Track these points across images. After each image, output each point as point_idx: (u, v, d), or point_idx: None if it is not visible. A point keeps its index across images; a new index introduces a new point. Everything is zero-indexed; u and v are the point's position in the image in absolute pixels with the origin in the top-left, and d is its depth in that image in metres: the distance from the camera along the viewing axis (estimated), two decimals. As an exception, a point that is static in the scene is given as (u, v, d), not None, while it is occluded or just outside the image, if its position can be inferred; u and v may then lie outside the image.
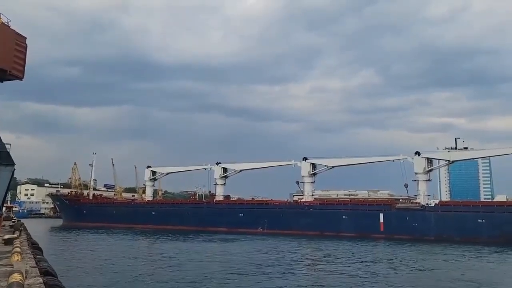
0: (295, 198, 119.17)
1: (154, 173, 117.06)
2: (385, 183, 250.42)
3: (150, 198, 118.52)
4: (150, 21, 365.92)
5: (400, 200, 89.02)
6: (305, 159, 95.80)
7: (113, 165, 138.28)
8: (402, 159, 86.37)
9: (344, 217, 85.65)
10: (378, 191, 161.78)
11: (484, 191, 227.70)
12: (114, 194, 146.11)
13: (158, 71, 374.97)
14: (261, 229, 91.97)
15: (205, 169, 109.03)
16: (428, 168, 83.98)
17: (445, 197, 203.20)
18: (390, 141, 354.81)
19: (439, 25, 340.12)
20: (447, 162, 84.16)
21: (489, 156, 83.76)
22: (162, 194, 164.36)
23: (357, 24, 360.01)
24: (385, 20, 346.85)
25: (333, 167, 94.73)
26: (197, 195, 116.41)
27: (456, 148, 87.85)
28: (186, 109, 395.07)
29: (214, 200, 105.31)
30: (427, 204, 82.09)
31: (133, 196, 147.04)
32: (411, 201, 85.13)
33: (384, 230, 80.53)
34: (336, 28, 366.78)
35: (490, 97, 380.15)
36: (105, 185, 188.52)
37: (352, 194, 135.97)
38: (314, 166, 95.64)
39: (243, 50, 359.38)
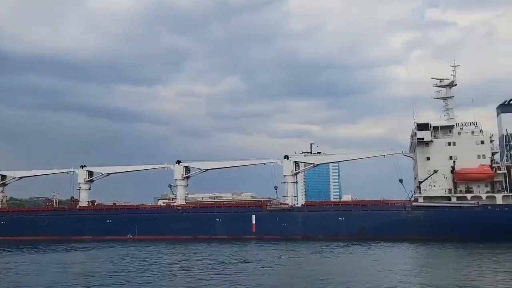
0: (160, 202, 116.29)
1: (3, 177, 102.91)
2: (248, 185, 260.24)
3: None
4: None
5: (271, 202, 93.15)
6: (178, 162, 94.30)
7: None
8: (272, 162, 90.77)
9: (217, 220, 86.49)
10: (242, 193, 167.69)
11: (334, 192, 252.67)
12: None
13: (6, 63, 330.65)
14: (131, 236, 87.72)
15: (67, 172, 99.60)
16: (295, 171, 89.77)
17: (301, 198, 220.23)
18: (254, 146, 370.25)
19: (298, 40, 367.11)
20: (313, 165, 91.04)
21: (348, 160, 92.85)
22: (6, 201, 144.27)
23: (224, 32, 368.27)
24: (251, 30, 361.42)
25: (206, 170, 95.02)
26: (55, 201, 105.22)
27: (311, 152, 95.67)
28: (41, 107, 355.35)
29: (78, 206, 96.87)
30: (294, 204, 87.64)
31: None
32: (280, 202, 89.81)
33: (256, 231, 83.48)
34: (204, 34, 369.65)
35: (339, 108, 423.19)
36: None
37: (217, 197, 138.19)
38: (187, 169, 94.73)
39: (106, 47, 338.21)
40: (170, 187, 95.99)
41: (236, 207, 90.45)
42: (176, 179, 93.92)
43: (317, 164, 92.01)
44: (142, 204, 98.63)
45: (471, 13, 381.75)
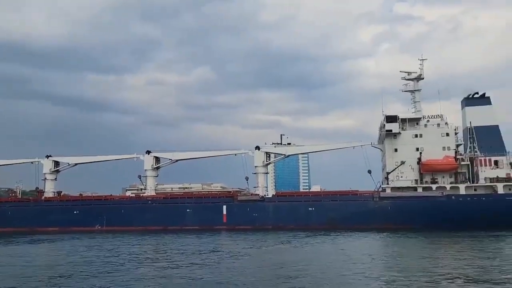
0: (129, 193, 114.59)
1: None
2: (217, 176, 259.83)
3: None
4: None
5: (241, 193, 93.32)
6: (148, 152, 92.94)
7: None
8: (244, 153, 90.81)
9: (188, 210, 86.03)
10: (211, 184, 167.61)
11: (303, 183, 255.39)
12: None
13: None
14: (99, 227, 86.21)
15: (32, 162, 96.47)
16: (266, 161, 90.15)
17: (271, 188, 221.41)
18: (225, 136, 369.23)
19: (270, 30, 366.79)
20: (284, 156, 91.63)
21: (319, 151, 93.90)
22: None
23: (195, 21, 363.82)
24: (223, 20, 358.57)
25: (177, 160, 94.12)
26: (18, 191, 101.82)
27: (281, 143, 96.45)
28: (4, 95, 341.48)
29: (43, 197, 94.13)
30: (265, 195, 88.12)
31: None
32: (251, 193, 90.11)
33: (227, 222, 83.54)
34: (175, 22, 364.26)
35: (310, 99, 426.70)
36: None
37: (186, 188, 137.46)
38: (157, 159, 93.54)
39: (72, 34, 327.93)
40: (140, 178, 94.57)
41: (207, 198, 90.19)
42: (146, 170, 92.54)
43: (288, 155, 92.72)
44: (111, 195, 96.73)
45: (438, 8, 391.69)
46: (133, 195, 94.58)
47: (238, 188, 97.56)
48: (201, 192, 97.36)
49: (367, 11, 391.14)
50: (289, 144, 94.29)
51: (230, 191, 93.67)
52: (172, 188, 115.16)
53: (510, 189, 75.84)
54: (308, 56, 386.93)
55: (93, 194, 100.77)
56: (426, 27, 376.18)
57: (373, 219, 76.70)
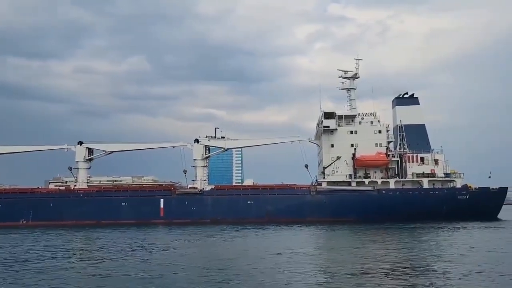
0: (52, 185, 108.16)
1: None
2: (148, 169, 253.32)
3: None
4: None
5: (175, 186, 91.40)
6: (80, 143, 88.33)
7: None
8: (182, 145, 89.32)
9: (123, 204, 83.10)
10: (142, 177, 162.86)
11: (236, 177, 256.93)
12: None
13: None
14: (24, 221, 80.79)
15: None
16: (206, 155, 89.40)
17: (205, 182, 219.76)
18: (160, 128, 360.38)
19: (208, 22, 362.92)
20: (223, 149, 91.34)
21: (258, 145, 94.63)
22: None
23: (130, 8, 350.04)
24: (160, 8, 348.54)
25: (111, 152, 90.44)
26: None
27: (215, 137, 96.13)
28: None
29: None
30: (204, 188, 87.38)
31: None
32: (190, 186, 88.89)
33: (164, 216, 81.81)
34: (108, 8, 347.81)
35: (246, 94, 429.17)
36: None
37: (116, 180, 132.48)
38: (90, 151, 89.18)
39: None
40: (71, 170, 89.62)
41: (144, 191, 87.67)
42: (77, 161, 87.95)
43: (228, 149, 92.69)
44: (38, 187, 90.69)
45: (368, 11, 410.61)
46: (63, 187, 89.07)
47: (171, 182, 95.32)
48: (137, 185, 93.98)
49: (303, 9, 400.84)
50: (223, 137, 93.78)
51: (169, 185, 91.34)
52: (100, 181, 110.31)
53: (434, 184, 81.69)
54: (245, 50, 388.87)
55: (11, 187, 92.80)
56: (357, 28, 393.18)
57: (309, 212, 79.00)
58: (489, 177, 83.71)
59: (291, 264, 29.67)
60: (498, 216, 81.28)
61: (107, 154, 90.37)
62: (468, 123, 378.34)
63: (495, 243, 41.02)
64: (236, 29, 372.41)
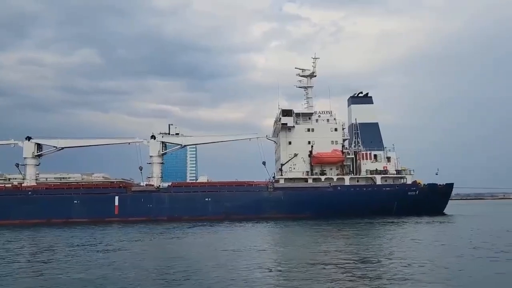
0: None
1: None
2: (98, 166, 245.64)
3: None
4: None
5: (126, 183, 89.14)
6: (28, 138, 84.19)
7: None
8: (138, 142, 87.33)
9: (75, 202, 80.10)
10: (93, 174, 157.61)
11: (190, 174, 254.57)
12: None
13: None
14: (-34, 221, 75.87)
15: None
16: (162, 151, 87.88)
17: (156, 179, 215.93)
18: (111, 124, 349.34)
19: (163, 17, 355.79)
20: (180, 146, 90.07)
21: (215, 142, 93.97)
22: None
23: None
24: (113, 1, 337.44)
25: (62, 148, 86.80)
26: None
27: (169, 133, 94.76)
28: None
29: None
30: (160, 185, 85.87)
31: None
32: (146, 183, 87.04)
33: (119, 213, 79.64)
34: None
35: (201, 90, 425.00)
36: None
37: (64, 177, 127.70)
38: (39, 146, 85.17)
39: None
40: (18, 166, 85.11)
41: (97, 188, 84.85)
42: (25, 158, 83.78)
43: (185, 145, 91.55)
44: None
45: (323, 11, 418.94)
46: (9, 185, 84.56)
47: (122, 179, 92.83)
48: (89, 182, 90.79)
49: (259, 7, 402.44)
50: (177, 134, 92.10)
51: (124, 182, 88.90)
52: (47, 179, 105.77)
53: (386, 181, 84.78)
54: (201, 46, 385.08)
55: None
56: (312, 28, 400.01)
57: (267, 208, 79.61)
58: (437, 174, 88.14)
59: (238, 261, 29.27)
60: (444, 211, 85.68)
61: (57, 150, 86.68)
62: (416, 123, 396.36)
63: (437, 237, 43.11)
64: (192, 24, 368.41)
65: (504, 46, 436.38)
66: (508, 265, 26.33)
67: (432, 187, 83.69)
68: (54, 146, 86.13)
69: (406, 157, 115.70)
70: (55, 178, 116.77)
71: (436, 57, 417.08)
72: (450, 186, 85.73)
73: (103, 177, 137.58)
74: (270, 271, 25.77)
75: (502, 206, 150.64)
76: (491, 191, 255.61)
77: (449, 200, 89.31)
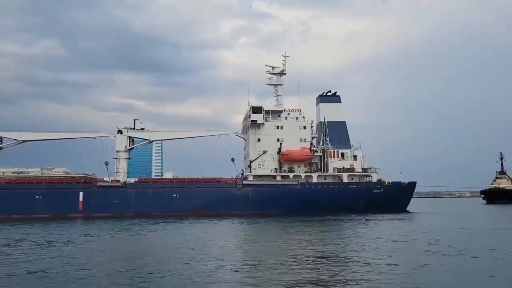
0: None
1: None
2: (60, 161, 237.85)
3: None
4: None
5: (89, 178, 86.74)
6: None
7: None
8: (105, 136, 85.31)
9: (37, 197, 77.46)
10: (53, 168, 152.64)
11: (155, 170, 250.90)
12: None
13: None
14: None
15: None
16: (129, 146, 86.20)
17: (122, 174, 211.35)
18: (74, 117, 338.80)
19: (129, 9, 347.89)
20: (148, 141, 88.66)
21: (184, 138, 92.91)
22: None
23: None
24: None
25: (24, 141, 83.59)
26: None
27: (134, 128, 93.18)
28: None
29: None
30: (126, 181, 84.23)
31: None
32: (112, 179, 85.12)
33: (83, 209, 77.59)
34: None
35: (168, 85, 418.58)
36: None
37: (22, 172, 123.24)
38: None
39: None
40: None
41: (61, 183, 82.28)
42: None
43: (153, 141, 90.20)
44: None
45: (292, 11, 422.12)
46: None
47: (84, 174, 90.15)
48: (50, 177, 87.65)
49: (228, 4, 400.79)
50: (142, 129, 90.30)
51: (89, 177, 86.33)
52: (4, 173, 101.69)
53: (352, 178, 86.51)
54: (169, 41, 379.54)
55: None
56: (281, 26, 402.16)
57: (236, 205, 79.51)
58: (401, 172, 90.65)
59: (200, 258, 28.59)
60: (407, 209, 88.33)
61: (18, 144, 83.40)
62: (382, 123, 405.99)
63: (397, 234, 43.94)
64: (160, 19, 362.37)
65: (473, 47, 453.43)
66: (459, 260, 27.22)
67: (396, 185, 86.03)
68: (15, 139, 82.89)
69: (372, 156, 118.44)
70: (12, 172, 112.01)
71: (403, 58, 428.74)
72: (413, 185, 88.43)
73: (64, 172, 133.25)
74: (232, 268, 25.40)
75: (458, 204, 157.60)
76: (449, 189, 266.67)
77: (412, 198, 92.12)
